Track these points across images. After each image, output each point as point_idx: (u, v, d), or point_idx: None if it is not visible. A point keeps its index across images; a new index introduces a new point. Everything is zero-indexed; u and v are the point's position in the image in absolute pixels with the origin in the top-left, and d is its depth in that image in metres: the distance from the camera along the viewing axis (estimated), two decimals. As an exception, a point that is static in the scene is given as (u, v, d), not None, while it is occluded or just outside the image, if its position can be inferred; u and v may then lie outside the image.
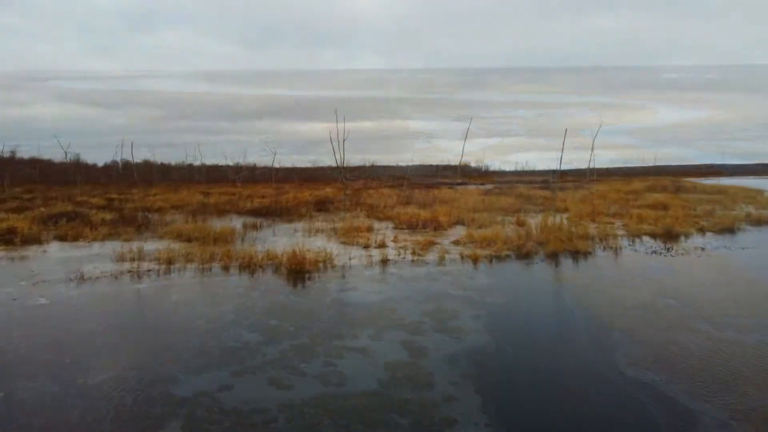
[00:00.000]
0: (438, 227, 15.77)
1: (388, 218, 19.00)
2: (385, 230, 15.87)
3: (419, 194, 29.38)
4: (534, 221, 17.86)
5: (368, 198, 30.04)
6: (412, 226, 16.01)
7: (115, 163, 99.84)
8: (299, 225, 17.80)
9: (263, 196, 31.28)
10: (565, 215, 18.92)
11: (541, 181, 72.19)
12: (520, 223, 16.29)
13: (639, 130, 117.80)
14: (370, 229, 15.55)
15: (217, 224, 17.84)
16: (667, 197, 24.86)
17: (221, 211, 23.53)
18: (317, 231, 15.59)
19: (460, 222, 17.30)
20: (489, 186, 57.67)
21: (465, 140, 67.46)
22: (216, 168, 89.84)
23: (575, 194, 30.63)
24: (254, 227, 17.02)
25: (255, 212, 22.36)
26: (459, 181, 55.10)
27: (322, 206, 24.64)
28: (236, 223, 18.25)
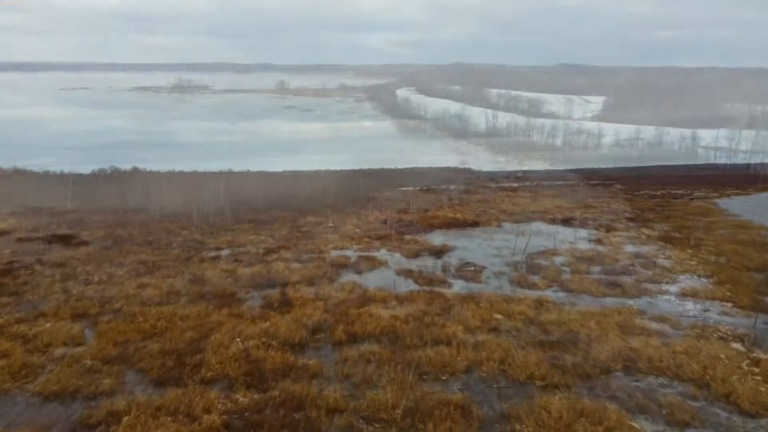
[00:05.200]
0: None
1: None
2: None
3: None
4: None
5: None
6: None
7: (102, 170, 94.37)
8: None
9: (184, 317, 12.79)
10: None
11: (565, 214, 64.80)
12: None
13: (639, 129, 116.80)
14: None
15: None
16: None
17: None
18: None
19: None
20: (503, 232, 42.06)
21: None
22: (205, 177, 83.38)
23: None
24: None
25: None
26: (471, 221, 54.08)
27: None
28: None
